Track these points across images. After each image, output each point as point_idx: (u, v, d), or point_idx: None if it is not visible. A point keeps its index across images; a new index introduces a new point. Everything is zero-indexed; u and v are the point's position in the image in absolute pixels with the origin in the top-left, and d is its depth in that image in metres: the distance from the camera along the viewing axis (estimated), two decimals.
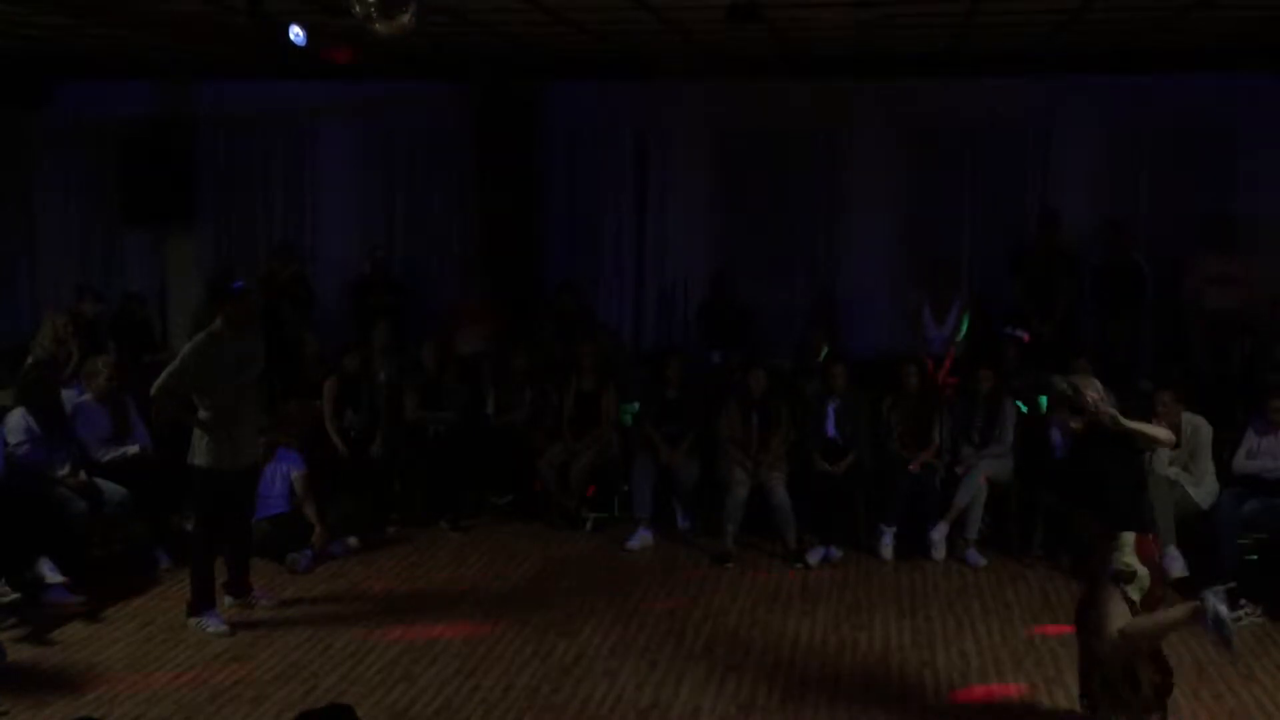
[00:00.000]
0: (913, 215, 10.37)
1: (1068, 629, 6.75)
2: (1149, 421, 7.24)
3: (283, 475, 7.90)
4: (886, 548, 8.01)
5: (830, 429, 8.33)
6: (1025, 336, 8.90)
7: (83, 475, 7.32)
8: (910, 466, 8.09)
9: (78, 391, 8.07)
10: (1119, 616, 5.08)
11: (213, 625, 6.56)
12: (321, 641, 6.46)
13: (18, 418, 7.30)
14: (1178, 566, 7.09)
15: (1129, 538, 5.14)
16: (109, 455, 7.66)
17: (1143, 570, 5.11)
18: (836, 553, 7.95)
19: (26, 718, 5.43)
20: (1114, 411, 5.24)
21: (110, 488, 7.41)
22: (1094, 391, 5.35)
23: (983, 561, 7.82)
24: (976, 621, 6.77)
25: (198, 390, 6.56)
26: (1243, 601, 6.85)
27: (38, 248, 11.37)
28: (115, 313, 10.14)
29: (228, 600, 6.89)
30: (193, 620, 6.61)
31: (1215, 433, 7.43)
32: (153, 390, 6.65)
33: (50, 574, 6.80)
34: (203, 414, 6.53)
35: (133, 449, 7.77)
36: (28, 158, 11.23)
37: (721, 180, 10.61)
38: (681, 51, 9.19)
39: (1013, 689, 5.96)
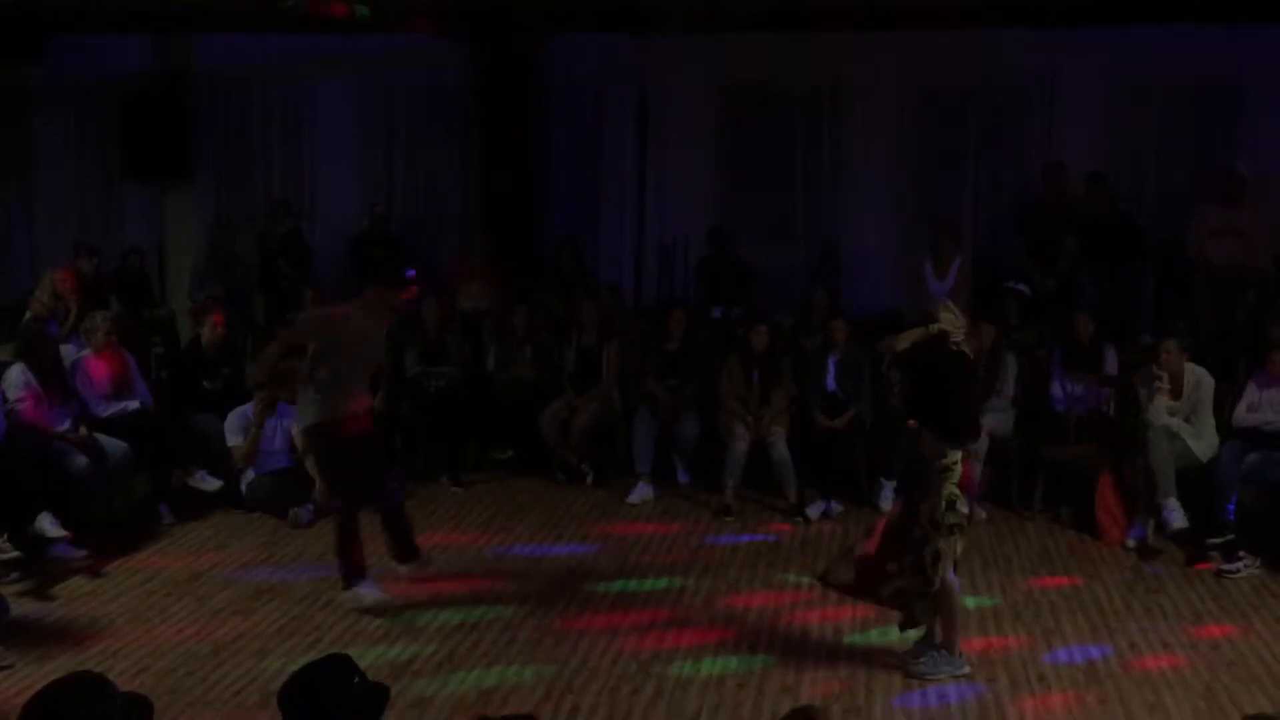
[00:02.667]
0: (915, 170, 10.29)
1: (1066, 581, 6.83)
2: (1152, 372, 7.32)
3: (284, 430, 7.92)
4: (887, 501, 7.99)
5: (831, 384, 8.33)
6: (1027, 291, 8.85)
7: (83, 431, 7.32)
8: (910, 421, 8.07)
9: (76, 347, 8.07)
10: (950, 559, 5.37)
11: (369, 594, 6.21)
12: (324, 596, 6.48)
13: (17, 373, 7.28)
14: (1176, 519, 7.10)
15: (957, 468, 5.35)
16: (109, 411, 7.66)
17: (963, 498, 5.38)
18: (837, 507, 7.98)
19: (30, 671, 5.46)
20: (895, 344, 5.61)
21: (111, 443, 7.41)
22: (949, 312, 5.53)
23: (983, 515, 7.82)
24: (976, 574, 6.79)
25: (322, 356, 6.21)
26: (1242, 553, 6.89)
27: (36, 204, 11.31)
28: (115, 268, 10.10)
29: (403, 569, 6.61)
30: (348, 594, 6.22)
31: (1217, 386, 7.42)
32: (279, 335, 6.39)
33: (52, 529, 6.82)
34: (320, 375, 6.20)
35: (133, 405, 7.77)
36: (25, 114, 11.15)
37: (722, 135, 10.51)
38: (682, 4, 9.09)
39: (1012, 641, 5.99)
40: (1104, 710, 5.24)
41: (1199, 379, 7.34)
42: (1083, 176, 9.42)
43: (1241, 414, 7.32)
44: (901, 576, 5.48)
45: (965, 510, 5.42)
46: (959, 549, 5.46)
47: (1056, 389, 8.21)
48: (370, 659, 5.64)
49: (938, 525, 5.34)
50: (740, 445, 8.07)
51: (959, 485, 5.39)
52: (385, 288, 6.39)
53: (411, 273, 6.46)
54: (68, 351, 7.97)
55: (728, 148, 10.51)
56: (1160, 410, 7.23)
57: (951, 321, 5.47)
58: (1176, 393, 7.29)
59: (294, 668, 5.49)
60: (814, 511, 7.91)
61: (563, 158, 10.68)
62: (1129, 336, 8.79)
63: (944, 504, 5.34)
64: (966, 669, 5.54)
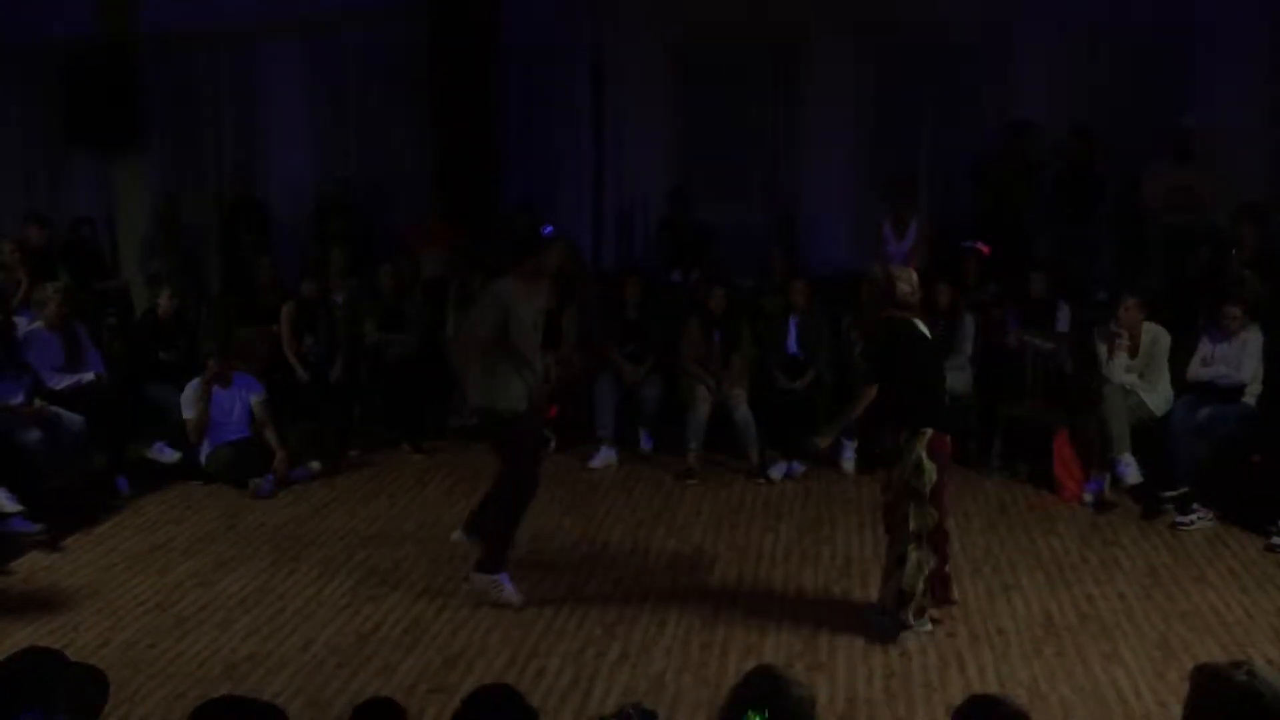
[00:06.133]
0: (872, 127, 10.26)
1: (1025, 536, 6.91)
2: (1110, 329, 7.39)
3: (242, 401, 7.85)
4: (848, 462, 8.09)
5: (791, 345, 8.36)
6: (985, 249, 8.89)
7: (37, 404, 7.21)
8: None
9: (27, 319, 7.92)
10: (916, 519, 5.43)
11: (509, 590, 5.94)
12: (286, 566, 6.46)
13: None
14: (1131, 473, 7.20)
15: (927, 433, 5.39)
16: (63, 383, 7.54)
17: (930, 464, 5.40)
18: (798, 467, 8.03)
19: None
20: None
21: (66, 416, 7.29)
22: (906, 284, 5.50)
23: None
24: None
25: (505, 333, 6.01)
26: (1196, 506, 7.00)
27: None
28: (65, 238, 9.91)
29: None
30: (487, 577, 5.93)
31: (1171, 342, 7.49)
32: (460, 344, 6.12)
33: (7, 504, 6.73)
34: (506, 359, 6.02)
35: (87, 377, 7.65)
36: None
37: (680, 96, 10.45)
38: None
39: (971, 595, 6.06)
40: (1062, 661, 5.33)
41: (1156, 336, 7.42)
42: (1055, 133, 9.42)
43: (1195, 369, 7.41)
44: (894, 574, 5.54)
45: (932, 479, 5.41)
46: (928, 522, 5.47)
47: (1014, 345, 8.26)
48: (334, 628, 5.65)
49: (910, 490, 5.38)
50: (702, 408, 8.09)
51: (929, 451, 5.40)
52: (538, 254, 6.20)
53: (549, 229, 6.37)
54: (18, 323, 7.82)
55: (685, 107, 10.45)
56: (1119, 368, 7.31)
57: (908, 295, 5.50)
58: (1134, 349, 7.36)
59: (257, 639, 5.49)
60: (776, 473, 7.95)
61: (519, 120, 10.57)
62: (1085, 293, 8.86)
63: (911, 467, 5.38)
64: (929, 626, 5.60)
